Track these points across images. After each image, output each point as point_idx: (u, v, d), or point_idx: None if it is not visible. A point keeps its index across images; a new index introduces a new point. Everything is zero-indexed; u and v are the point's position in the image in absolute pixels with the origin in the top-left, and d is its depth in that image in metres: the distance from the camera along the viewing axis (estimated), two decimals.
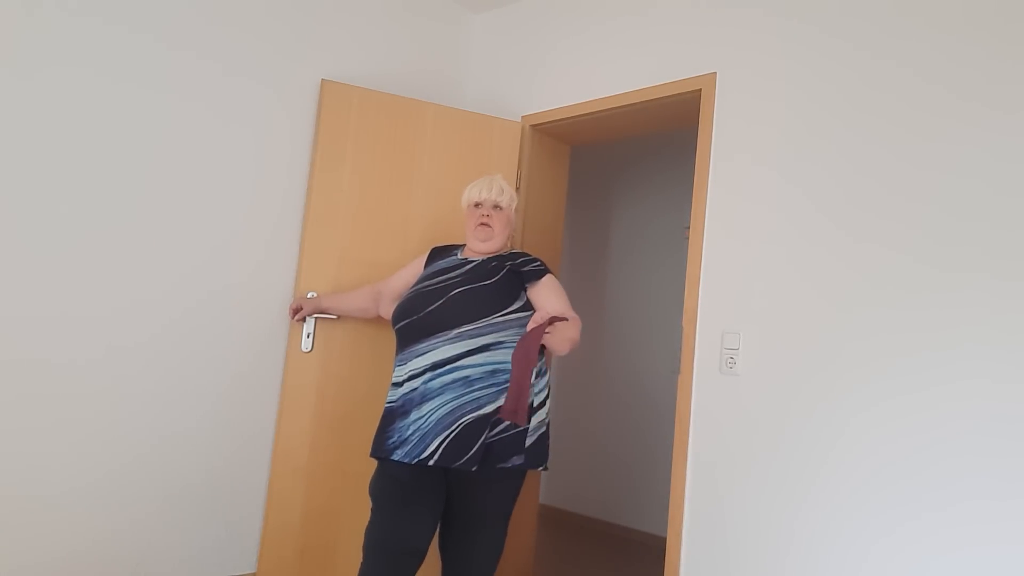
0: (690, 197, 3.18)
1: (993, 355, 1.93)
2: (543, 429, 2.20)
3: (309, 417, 2.77)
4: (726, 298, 2.48)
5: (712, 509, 2.41)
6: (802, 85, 2.39)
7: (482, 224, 2.32)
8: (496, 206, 2.35)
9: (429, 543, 2.16)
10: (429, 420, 2.10)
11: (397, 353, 2.25)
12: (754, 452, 2.34)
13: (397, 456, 2.11)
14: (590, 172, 4.88)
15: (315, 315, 2.75)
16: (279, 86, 2.81)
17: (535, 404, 2.16)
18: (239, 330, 2.70)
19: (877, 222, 2.17)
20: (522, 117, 3.22)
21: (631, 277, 4.61)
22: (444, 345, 2.13)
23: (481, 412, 2.10)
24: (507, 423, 2.11)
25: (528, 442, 2.15)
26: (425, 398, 2.12)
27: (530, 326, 1.94)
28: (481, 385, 2.12)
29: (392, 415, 2.17)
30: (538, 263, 2.31)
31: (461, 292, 2.19)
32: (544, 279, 2.27)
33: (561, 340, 2.04)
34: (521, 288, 2.26)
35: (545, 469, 2.24)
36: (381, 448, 2.15)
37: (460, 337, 2.13)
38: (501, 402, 2.09)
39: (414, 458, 2.08)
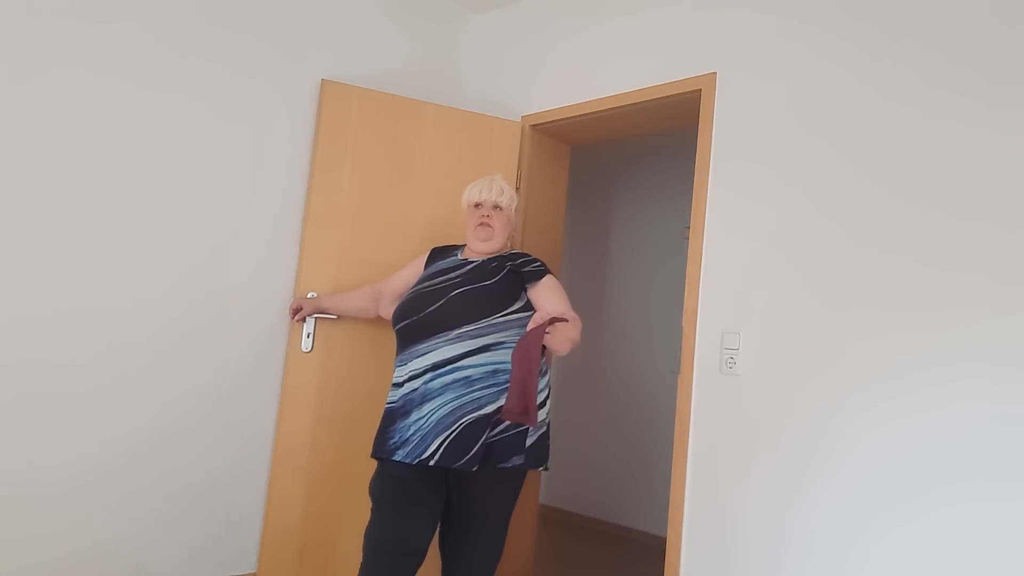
0: (690, 197, 3.18)
1: (993, 355, 1.93)
2: (543, 429, 2.20)
3: (309, 417, 2.77)
4: (726, 298, 2.48)
5: (712, 509, 2.41)
6: (802, 85, 2.39)
7: (482, 224, 2.32)
8: (496, 206, 2.35)
9: (429, 543, 2.16)
10: (430, 420, 2.10)
11: (397, 353, 2.25)
12: (754, 452, 2.34)
13: (398, 457, 2.10)
14: (590, 172, 4.88)
15: (315, 315, 2.76)
16: (279, 86, 2.81)
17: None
18: (239, 330, 2.70)
19: (877, 222, 2.17)
20: (522, 117, 3.22)
21: (631, 277, 4.61)
22: (445, 345, 2.13)
23: (482, 412, 2.10)
24: (508, 423, 2.11)
25: (528, 442, 2.15)
26: (426, 398, 2.12)
27: (530, 326, 1.94)
28: (482, 385, 2.12)
29: (393, 415, 2.17)
30: (538, 263, 2.31)
31: (461, 292, 2.19)
32: (544, 279, 2.27)
33: (561, 340, 2.04)
34: (521, 288, 2.26)
35: (545, 469, 2.24)
36: (382, 448, 2.15)
37: (461, 337, 2.13)
38: (502, 402, 2.08)
39: (415, 458, 2.08)
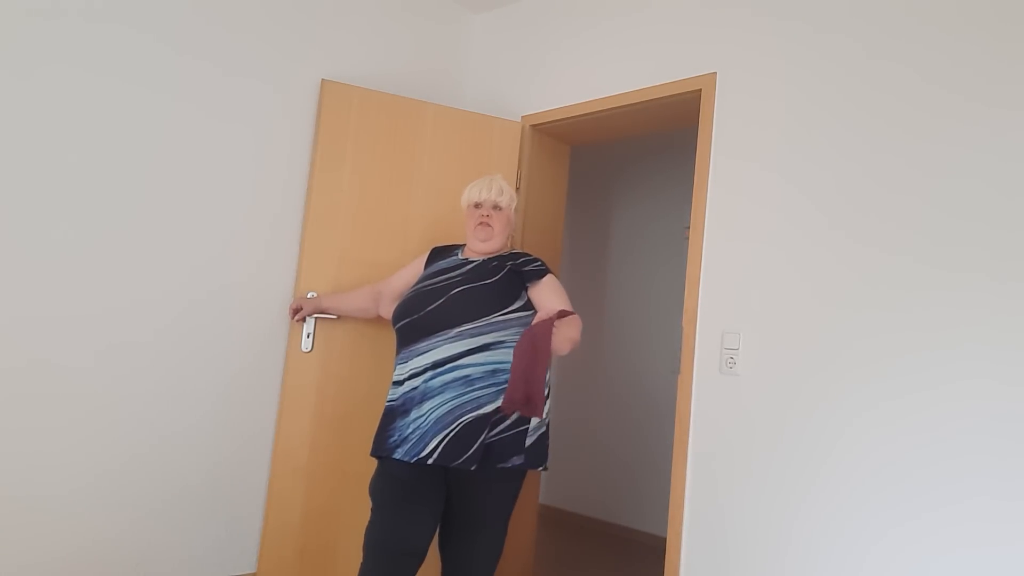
0: (690, 197, 3.18)
1: (993, 355, 1.93)
2: (543, 429, 2.20)
3: (309, 417, 2.77)
4: (726, 298, 2.48)
5: (712, 509, 2.41)
6: (802, 85, 2.39)
7: (481, 224, 2.32)
8: (496, 206, 2.35)
9: (429, 543, 2.16)
10: (429, 419, 2.10)
11: (398, 352, 2.25)
12: (754, 452, 2.34)
13: (397, 455, 2.11)
14: (590, 172, 4.88)
15: (315, 315, 2.76)
16: (279, 86, 2.81)
17: None
18: (239, 330, 2.70)
19: (877, 222, 2.17)
20: (522, 117, 3.22)
21: (631, 277, 4.61)
22: (445, 344, 2.13)
23: (481, 411, 2.10)
24: (507, 423, 2.11)
25: (528, 442, 2.15)
26: (426, 397, 2.12)
27: (537, 319, 1.92)
28: (481, 384, 2.12)
29: (393, 414, 2.17)
30: (539, 263, 2.31)
31: (461, 291, 2.19)
32: (545, 279, 2.27)
33: (562, 339, 2.04)
34: (522, 288, 2.26)
35: (545, 469, 2.24)
36: (382, 447, 2.15)
37: (461, 336, 2.13)
38: (501, 402, 2.08)
39: (414, 456, 2.08)
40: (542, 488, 4.57)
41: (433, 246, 2.55)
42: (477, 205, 2.36)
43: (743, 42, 2.56)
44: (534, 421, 2.16)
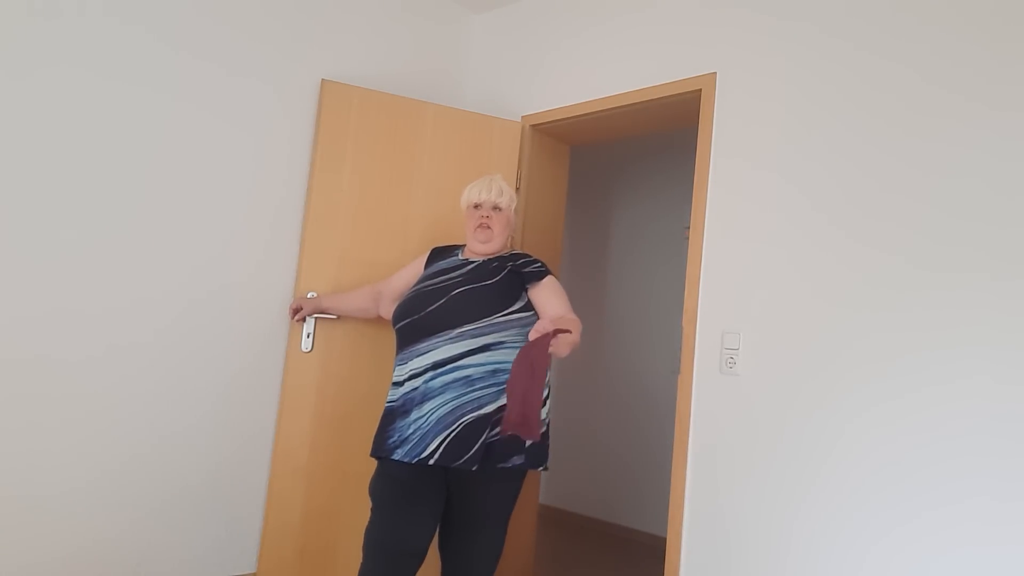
0: (690, 197, 3.18)
1: (993, 355, 1.93)
2: (543, 429, 2.19)
3: (309, 417, 2.77)
4: (726, 298, 2.48)
5: (712, 509, 2.41)
6: (802, 85, 2.39)
7: (481, 227, 2.32)
8: (496, 207, 2.35)
9: (429, 543, 2.16)
10: (429, 419, 2.10)
11: (398, 353, 2.25)
12: (754, 452, 2.34)
13: (397, 455, 2.10)
14: (590, 172, 4.88)
15: (315, 315, 2.76)
16: (279, 86, 2.81)
17: None
18: (239, 330, 2.70)
19: (877, 222, 2.17)
20: (522, 117, 3.22)
21: (631, 277, 4.61)
22: (445, 345, 2.13)
23: (482, 412, 2.10)
24: None
25: (528, 442, 2.15)
26: (426, 397, 2.12)
27: (532, 335, 1.89)
28: (482, 385, 2.12)
29: (393, 414, 2.17)
30: (539, 264, 2.31)
31: (462, 292, 2.19)
32: (545, 280, 2.27)
33: (561, 342, 2.03)
34: (522, 289, 2.26)
35: (545, 469, 2.24)
36: (381, 447, 2.15)
37: (461, 337, 2.13)
38: (502, 402, 2.08)
39: (414, 457, 2.08)
40: (542, 488, 4.56)
41: (433, 246, 2.55)
42: (477, 206, 2.36)
43: (743, 42, 2.56)
44: None
